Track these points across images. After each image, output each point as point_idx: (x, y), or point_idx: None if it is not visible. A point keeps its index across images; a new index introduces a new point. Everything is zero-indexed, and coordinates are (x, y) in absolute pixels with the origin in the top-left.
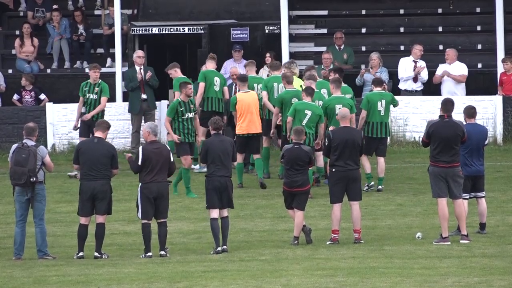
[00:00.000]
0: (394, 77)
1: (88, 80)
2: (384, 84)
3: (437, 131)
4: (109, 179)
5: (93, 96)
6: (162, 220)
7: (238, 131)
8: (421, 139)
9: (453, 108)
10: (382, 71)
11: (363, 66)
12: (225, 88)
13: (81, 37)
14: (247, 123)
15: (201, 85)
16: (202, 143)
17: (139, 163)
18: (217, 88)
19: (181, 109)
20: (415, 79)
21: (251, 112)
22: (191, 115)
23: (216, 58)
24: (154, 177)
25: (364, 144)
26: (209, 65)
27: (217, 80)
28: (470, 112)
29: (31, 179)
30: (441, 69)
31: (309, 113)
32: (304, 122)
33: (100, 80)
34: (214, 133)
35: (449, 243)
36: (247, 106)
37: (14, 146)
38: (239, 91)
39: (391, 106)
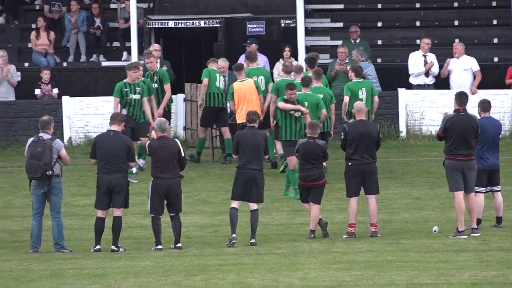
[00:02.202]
0: (404, 71)
1: (125, 81)
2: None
3: (454, 125)
4: (125, 173)
5: (135, 97)
6: (174, 214)
7: (238, 120)
8: (436, 133)
9: (467, 101)
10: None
11: (379, 60)
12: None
13: (98, 30)
14: (245, 111)
15: (205, 80)
16: (235, 135)
17: (147, 151)
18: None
19: None
20: (426, 74)
21: (248, 100)
22: (297, 114)
23: (217, 61)
24: (164, 173)
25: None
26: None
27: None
28: (485, 106)
29: (47, 173)
30: (448, 63)
31: (305, 104)
32: None
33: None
34: (248, 125)
35: (466, 237)
36: (244, 95)
37: (30, 139)
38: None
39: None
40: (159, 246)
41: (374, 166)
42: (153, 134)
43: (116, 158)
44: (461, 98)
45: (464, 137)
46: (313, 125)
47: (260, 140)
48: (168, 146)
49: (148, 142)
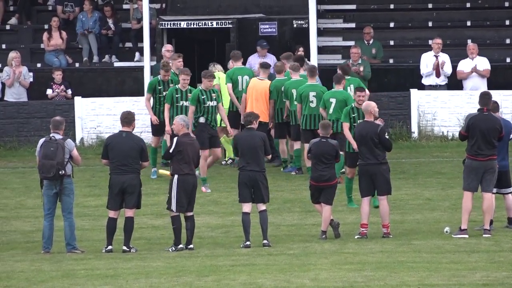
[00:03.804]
0: (416, 71)
1: (200, 88)
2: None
3: (476, 124)
4: (138, 173)
5: (212, 103)
6: (190, 213)
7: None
8: (459, 132)
9: (491, 101)
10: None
11: (391, 60)
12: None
13: (110, 31)
14: (251, 109)
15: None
16: (233, 138)
17: (171, 151)
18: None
19: (353, 115)
20: (437, 74)
21: (256, 99)
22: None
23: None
24: (190, 170)
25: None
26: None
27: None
28: (495, 106)
29: (60, 172)
30: (463, 64)
31: (333, 100)
32: (331, 110)
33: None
34: (246, 127)
35: (467, 236)
36: (255, 92)
37: (42, 140)
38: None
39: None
40: (181, 246)
41: (380, 167)
42: (154, 141)
43: (130, 158)
44: (484, 98)
45: (487, 137)
46: (325, 125)
47: (258, 142)
48: (194, 143)
49: (175, 141)
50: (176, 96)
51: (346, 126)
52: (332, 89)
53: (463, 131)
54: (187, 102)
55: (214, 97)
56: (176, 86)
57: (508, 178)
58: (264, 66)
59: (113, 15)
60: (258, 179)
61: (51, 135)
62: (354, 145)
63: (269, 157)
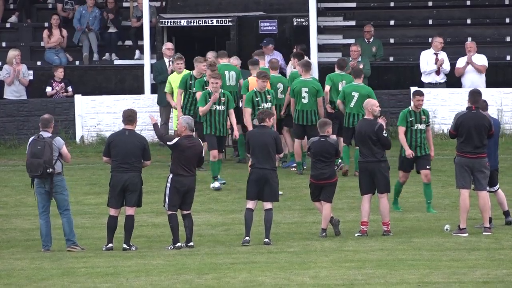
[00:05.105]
0: (416, 69)
1: (255, 90)
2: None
3: (465, 122)
4: (140, 172)
5: (267, 105)
6: (187, 212)
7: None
8: (448, 131)
9: (480, 99)
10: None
11: (391, 58)
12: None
13: (110, 15)
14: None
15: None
16: (246, 134)
17: (169, 143)
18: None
19: (410, 119)
20: (437, 72)
21: None
22: (421, 126)
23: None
24: (187, 171)
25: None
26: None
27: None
28: (483, 105)
29: (48, 171)
30: (461, 62)
31: (356, 94)
32: (352, 104)
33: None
34: (259, 124)
35: (467, 234)
36: None
37: (31, 138)
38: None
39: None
40: (179, 244)
41: (379, 165)
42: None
43: (133, 157)
44: (474, 96)
45: (475, 134)
46: (323, 123)
47: (269, 140)
48: (195, 146)
49: (177, 139)
50: (209, 100)
51: (402, 130)
52: (353, 83)
53: (452, 130)
54: (220, 106)
55: (269, 99)
56: (209, 90)
57: (497, 176)
58: (252, 63)
59: (115, 8)
60: (269, 178)
61: (40, 133)
62: (408, 150)
63: (281, 155)
